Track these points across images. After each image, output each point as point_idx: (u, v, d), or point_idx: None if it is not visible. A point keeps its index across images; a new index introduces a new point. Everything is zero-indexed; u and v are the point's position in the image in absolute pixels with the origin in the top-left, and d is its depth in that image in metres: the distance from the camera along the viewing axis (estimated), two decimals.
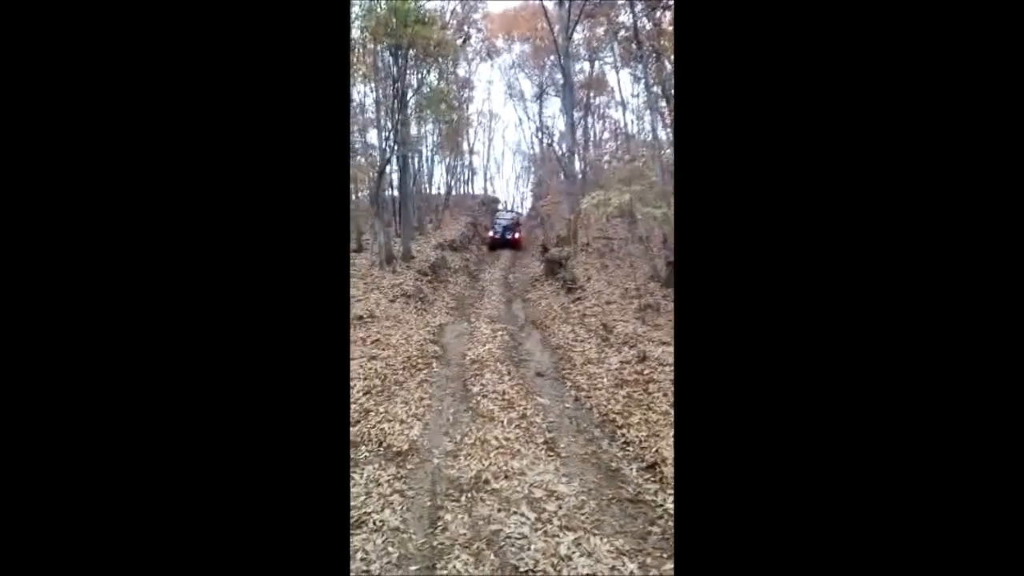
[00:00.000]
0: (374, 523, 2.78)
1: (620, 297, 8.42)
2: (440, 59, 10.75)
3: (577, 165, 15.02)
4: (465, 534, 2.66)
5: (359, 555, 2.48)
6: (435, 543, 2.60)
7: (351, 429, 4.34)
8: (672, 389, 5.05)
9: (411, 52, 10.05)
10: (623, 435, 4.23)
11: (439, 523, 2.79)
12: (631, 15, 11.44)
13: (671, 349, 6.13)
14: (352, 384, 5.35)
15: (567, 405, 4.99)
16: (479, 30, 17.25)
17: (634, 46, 12.10)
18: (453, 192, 21.07)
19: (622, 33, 14.63)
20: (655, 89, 11.54)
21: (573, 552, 2.50)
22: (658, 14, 11.73)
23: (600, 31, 16.51)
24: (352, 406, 4.83)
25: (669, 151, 10.89)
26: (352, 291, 8.72)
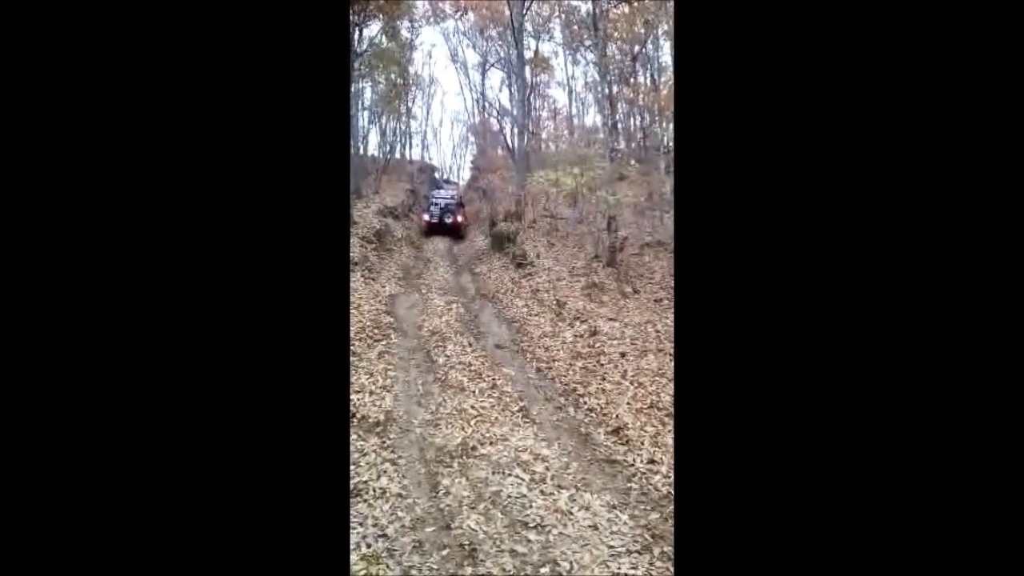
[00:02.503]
0: (374, 491, 2.81)
1: (568, 275, 8.74)
2: (393, 17, 10.18)
3: (518, 142, 15.04)
4: (468, 496, 2.79)
5: (370, 521, 2.52)
6: (442, 506, 2.70)
7: None
8: (620, 361, 5.46)
9: (368, 7, 9.47)
10: (585, 403, 4.53)
11: (439, 488, 2.89)
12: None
13: (618, 324, 6.55)
14: None
15: (531, 376, 5.22)
16: None
17: (588, 30, 12.23)
18: (387, 157, 20.26)
19: (569, 16, 14.72)
20: (602, 75, 11.81)
21: (572, 507, 2.72)
22: (604, 2, 11.95)
23: (546, 9, 16.45)
24: None
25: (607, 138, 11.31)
26: None
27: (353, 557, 2.23)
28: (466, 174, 25.70)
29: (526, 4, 13.20)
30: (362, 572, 2.15)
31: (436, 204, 13.88)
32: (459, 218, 13.56)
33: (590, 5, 11.43)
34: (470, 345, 5.90)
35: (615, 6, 12.92)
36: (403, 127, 21.45)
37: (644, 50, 14.66)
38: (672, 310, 6.14)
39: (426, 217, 13.75)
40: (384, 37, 11.22)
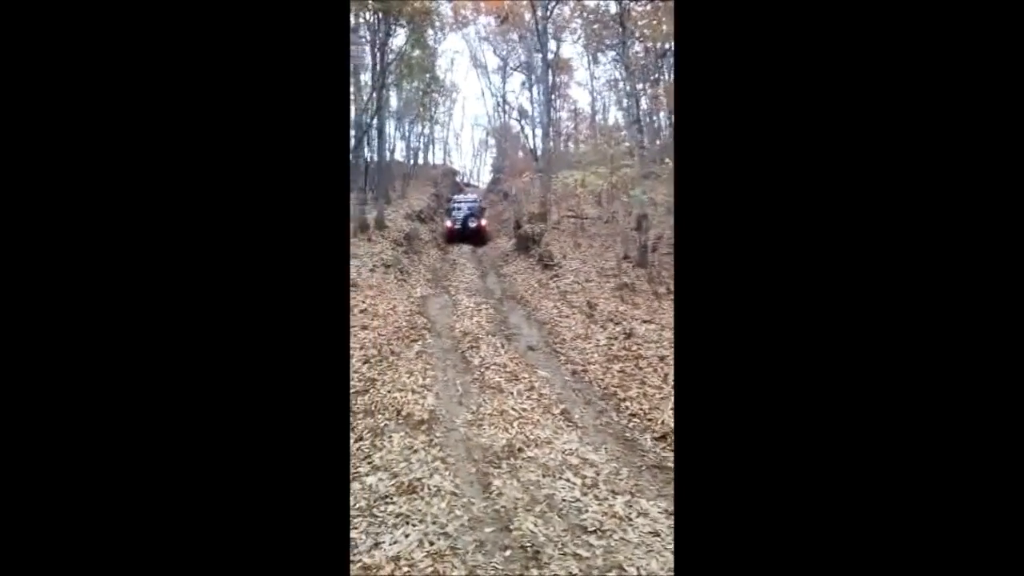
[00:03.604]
0: (428, 488, 2.82)
1: (597, 275, 8.69)
2: (425, 27, 10.36)
3: (542, 143, 15.04)
4: (522, 498, 2.77)
5: (429, 519, 2.53)
6: (497, 506, 2.68)
7: (359, 398, 4.30)
8: (660, 365, 5.38)
9: (400, 19, 9.66)
10: (627, 407, 4.47)
11: (492, 488, 2.88)
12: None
13: (654, 327, 6.46)
14: (350, 354, 5.25)
15: (567, 378, 5.18)
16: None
17: (611, 29, 12.19)
18: (413, 162, 20.49)
19: (591, 15, 14.70)
20: (627, 74, 11.75)
21: (629, 513, 2.68)
22: (625, 2, 11.93)
23: (567, 10, 16.48)
24: (353, 376, 4.76)
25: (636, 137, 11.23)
26: None
27: (419, 554, 2.24)
28: (486, 177, 25.82)
29: (550, 6, 13.21)
30: (429, 569, 2.15)
31: (458, 209, 13.45)
32: (482, 222, 13.25)
33: (613, 4, 11.41)
34: (503, 346, 5.90)
35: (640, 4, 12.86)
36: (427, 133, 21.67)
37: (670, 47, 14.54)
38: None
39: (448, 223, 13.29)
40: (412, 46, 11.41)
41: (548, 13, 13.57)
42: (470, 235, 13.01)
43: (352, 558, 2.26)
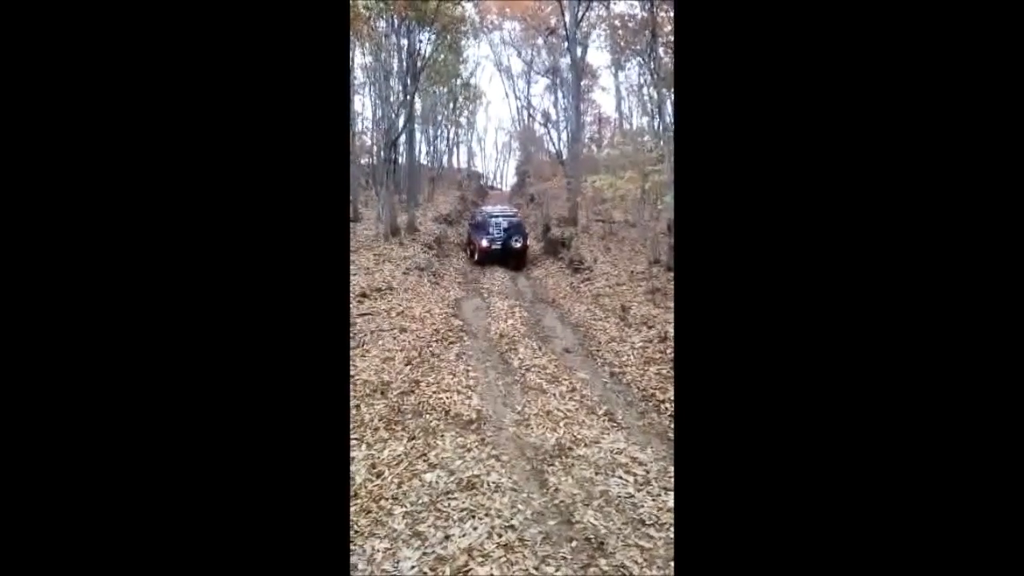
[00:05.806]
0: (487, 485, 2.94)
1: (628, 279, 8.74)
2: (455, 33, 10.63)
3: (568, 148, 15.14)
4: (578, 493, 2.87)
5: (493, 512, 2.65)
6: (557, 501, 2.79)
7: (406, 398, 4.45)
8: None
9: (432, 25, 9.93)
10: (667, 409, 4.52)
11: (548, 484, 2.99)
12: (639, 6, 11.55)
13: None
14: (392, 355, 5.42)
15: (606, 380, 5.25)
16: (475, 4, 16.85)
17: (638, 35, 12.25)
18: (438, 165, 20.81)
19: (615, 23, 14.81)
20: (656, 79, 11.78)
21: None
22: (655, 10, 11.99)
23: (592, 15, 16.59)
24: (398, 376, 4.92)
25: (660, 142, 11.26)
26: (364, 262, 8.63)
27: (489, 545, 2.36)
28: (510, 180, 26.01)
29: (579, 12, 13.35)
30: (502, 559, 2.27)
31: (495, 224, 10.70)
32: (527, 243, 10.70)
33: (640, 10, 11.49)
34: (540, 348, 6.01)
35: (669, 11, 12.88)
36: (453, 137, 21.97)
37: None
38: None
39: (484, 242, 10.50)
40: (443, 52, 11.66)
41: (580, 18, 13.69)
42: (510, 256, 10.54)
43: (425, 551, 2.39)
